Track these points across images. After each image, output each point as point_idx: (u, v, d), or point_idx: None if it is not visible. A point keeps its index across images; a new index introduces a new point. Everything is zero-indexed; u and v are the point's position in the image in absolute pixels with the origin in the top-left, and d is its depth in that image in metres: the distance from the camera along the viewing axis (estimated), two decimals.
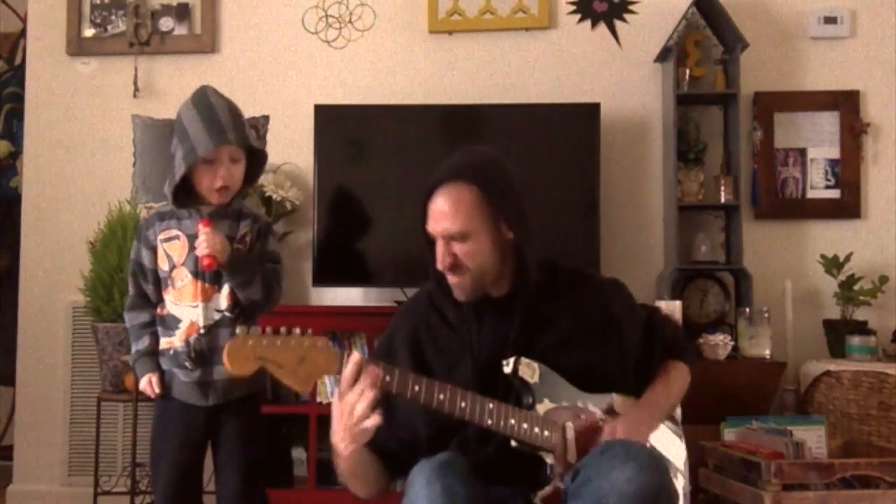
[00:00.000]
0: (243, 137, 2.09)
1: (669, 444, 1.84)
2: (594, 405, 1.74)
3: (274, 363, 1.56)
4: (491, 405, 1.63)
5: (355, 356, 1.60)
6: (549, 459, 1.67)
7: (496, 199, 1.70)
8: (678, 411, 2.04)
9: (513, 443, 1.66)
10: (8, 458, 3.61)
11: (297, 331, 1.59)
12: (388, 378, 1.60)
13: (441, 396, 1.61)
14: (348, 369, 1.59)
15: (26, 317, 3.53)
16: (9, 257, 3.98)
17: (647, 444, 1.75)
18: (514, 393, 1.72)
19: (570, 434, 1.67)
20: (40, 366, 3.49)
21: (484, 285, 1.75)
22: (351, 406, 1.58)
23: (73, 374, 3.45)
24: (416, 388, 1.61)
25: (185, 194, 2.13)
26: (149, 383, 2.14)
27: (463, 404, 1.61)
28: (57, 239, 3.53)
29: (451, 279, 1.74)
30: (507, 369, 1.70)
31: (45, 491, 3.43)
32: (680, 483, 1.82)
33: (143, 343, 2.15)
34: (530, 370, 1.70)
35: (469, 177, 1.69)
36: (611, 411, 1.75)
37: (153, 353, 2.15)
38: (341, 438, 1.62)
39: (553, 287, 1.80)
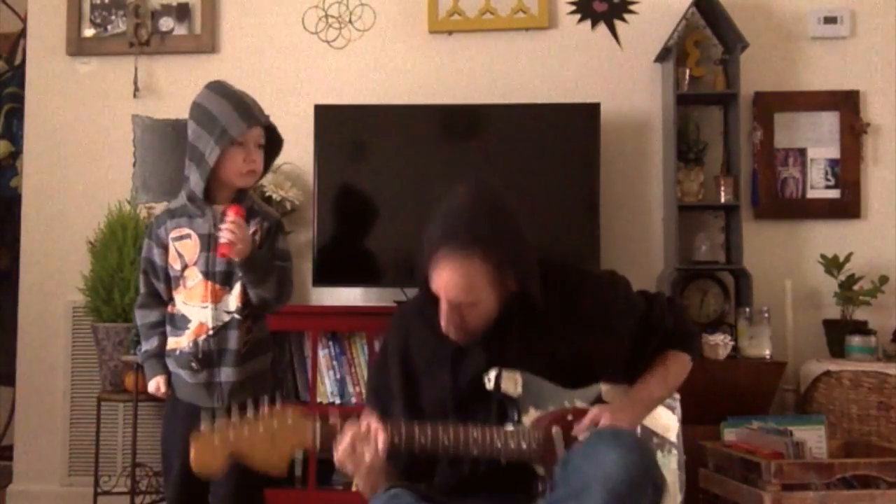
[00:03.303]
0: (267, 119, 2.12)
1: (660, 416, 1.84)
2: (582, 400, 1.74)
3: (244, 452, 1.51)
4: (475, 433, 1.62)
5: (350, 435, 1.57)
6: (541, 471, 1.66)
7: (502, 263, 1.67)
8: (678, 411, 2.04)
9: (502, 461, 1.66)
10: (8, 458, 3.61)
11: (265, 407, 1.54)
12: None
13: (422, 440, 1.61)
14: (346, 443, 1.57)
15: (26, 317, 3.53)
16: (9, 257, 3.98)
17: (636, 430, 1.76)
18: (497, 404, 1.71)
19: (559, 441, 1.67)
20: (40, 366, 3.49)
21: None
22: (356, 464, 1.58)
23: (73, 374, 3.45)
24: (397, 439, 1.60)
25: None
26: (157, 387, 2.14)
27: (446, 441, 1.61)
28: (57, 239, 3.53)
29: (453, 336, 1.71)
30: (490, 385, 1.69)
31: (45, 491, 3.43)
32: (674, 456, 1.82)
33: (152, 343, 2.15)
34: (512, 382, 1.70)
35: (475, 246, 1.64)
36: (599, 402, 1.75)
37: (161, 354, 2.14)
38: (358, 480, 1.63)
39: (544, 289, 1.77)
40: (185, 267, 2.11)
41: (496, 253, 1.65)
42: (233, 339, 2.08)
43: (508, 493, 1.69)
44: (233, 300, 2.09)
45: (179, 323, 2.12)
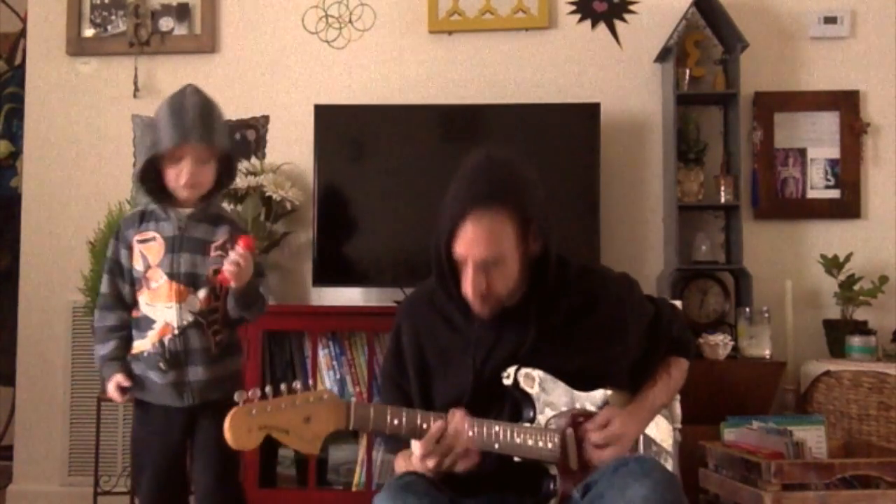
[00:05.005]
0: (209, 138, 2.07)
1: (658, 424, 1.85)
2: (591, 403, 1.74)
3: (279, 429, 1.48)
4: (497, 427, 1.63)
5: (440, 425, 1.57)
6: (553, 470, 1.67)
7: (527, 218, 1.68)
8: (678, 412, 2.05)
9: (516, 458, 1.66)
10: (8, 458, 3.60)
11: (298, 385, 1.52)
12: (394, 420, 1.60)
13: None
14: (436, 436, 1.57)
15: (26, 317, 3.53)
16: (9, 257, 3.98)
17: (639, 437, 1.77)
18: (512, 400, 1.71)
19: (571, 442, 1.68)
20: (40, 366, 3.49)
21: (505, 303, 1.73)
22: (441, 457, 1.58)
23: (73, 374, 3.45)
24: (425, 426, 1.60)
25: (163, 191, 2.13)
26: (116, 386, 2.09)
27: (471, 433, 1.60)
28: (57, 239, 3.53)
29: (478, 304, 1.71)
30: (508, 381, 1.69)
31: (45, 491, 3.43)
32: (669, 465, 1.83)
33: (108, 347, 2.12)
34: (530, 380, 1.70)
35: (501, 200, 1.65)
36: (606, 406, 1.75)
37: (119, 358, 2.12)
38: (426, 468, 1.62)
39: (563, 290, 1.77)
40: (147, 268, 2.11)
41: (521, 206, 1.67)
42: (199, 339, 2.09)
43: (515, 491, 1.69)
44: (197, 301, 2.10)
45: (143, 325, 2.11)
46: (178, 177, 2.08)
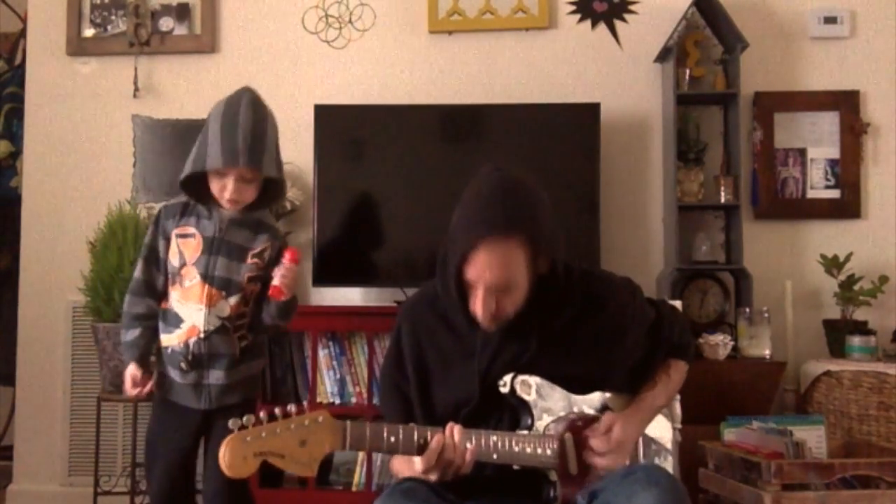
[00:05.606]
0: (257, 163, 2.05)
1: (656, 423, 1.84)
2: (589, 406, 1.74)
3: (274, 454, 1.47)
4: (495, 437, 1.63)
5: (438, 443, 1.57)
6: (553, 476, 1.66)
7: (539, 244, 1.67)
8: (678, 412, 2.05)
9: (515, 466, 1.66)
10: (8, 458, 3.61)
11: (293, 408, 1.51)
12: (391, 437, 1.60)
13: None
14: (436, 451, 1.57)
15: (26, 317, 3.53)
16: (9, 257, 3.98)
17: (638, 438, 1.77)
18: (510, 408, 1.71)
19: (570, 447, 1.68)
20: (40, 366, 3.49)
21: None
22: (444, 472, 1.58)
23: (73, 374, 3.45)
24: (423, 441, 1.60)
25: (207, 190, 2.12)
26: (131, 379, 2.10)
27: (469, 444, 1.60)
28: (57, 239, 3.53)
29: (486, 323, 1.70)
30: (505, 389, 1.69)
31: (45, 491, 3.43)
32: (669, 463, 1.83)
33: (133, 334, 2.13)
34: (527, 387, 1.70)
35: (515, 229, 1.64)
36: (605, 409, 1.75)
37: (138, 345, 2.12)
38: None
39: (566, 296, 1.76)
40: (182, 265, 2.11)
41: (534, 233, 1.66)
42: (224, 345, 2.09)
43: (514, 497, 1.69)
44: (227, 307, 2.09)
45: (172, 321, 2.11)
46: (222, 190, 2.07)
